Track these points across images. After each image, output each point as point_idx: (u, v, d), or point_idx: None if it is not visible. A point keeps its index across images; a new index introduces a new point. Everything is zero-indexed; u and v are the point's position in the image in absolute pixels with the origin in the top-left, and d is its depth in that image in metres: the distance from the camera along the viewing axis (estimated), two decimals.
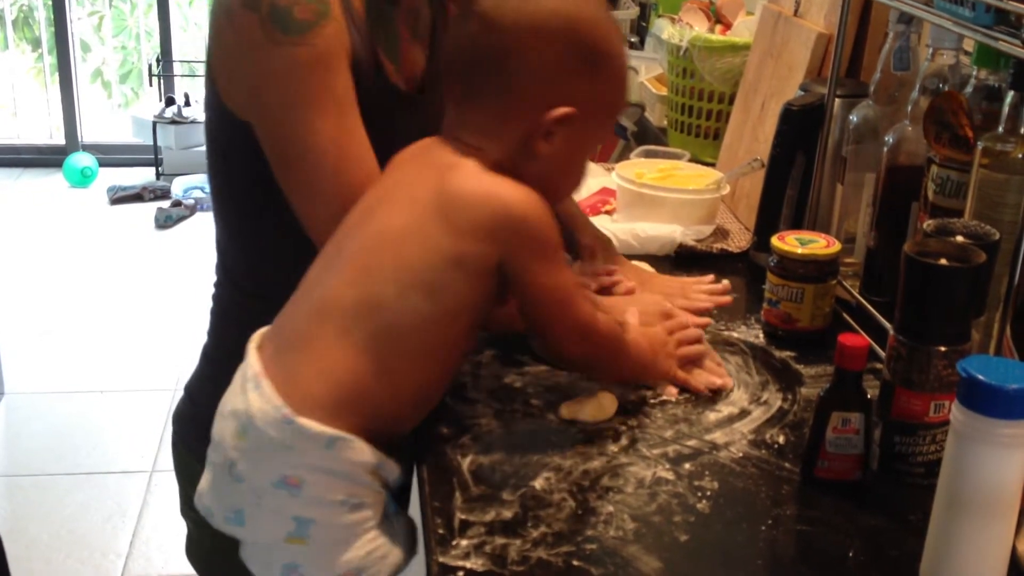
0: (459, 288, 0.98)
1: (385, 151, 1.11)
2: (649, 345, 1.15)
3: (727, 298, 1.36)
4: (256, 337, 1.04)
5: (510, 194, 0.98)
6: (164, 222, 4.79)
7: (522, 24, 0.99)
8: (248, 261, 1.27)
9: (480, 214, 0.97)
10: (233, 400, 1.00)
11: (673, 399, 1.14)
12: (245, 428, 0.97)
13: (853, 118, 1.38)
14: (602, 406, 1.11)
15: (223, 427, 1.00)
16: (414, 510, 1.11)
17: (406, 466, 1.06)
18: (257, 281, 1.26)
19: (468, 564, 0.87)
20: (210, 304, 1.32)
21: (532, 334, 1.13)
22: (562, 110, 1.00)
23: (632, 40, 2.60)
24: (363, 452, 0.96)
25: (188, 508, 1.32)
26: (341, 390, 0.96)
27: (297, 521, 0.97)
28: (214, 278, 1.31)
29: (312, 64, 1.09)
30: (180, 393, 1.35)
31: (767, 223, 1.46)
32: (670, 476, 1.00)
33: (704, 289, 1.37)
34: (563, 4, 1.01)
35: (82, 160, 5.25)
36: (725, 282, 1.39)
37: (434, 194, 0.99)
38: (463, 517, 0.92)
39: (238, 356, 1.02)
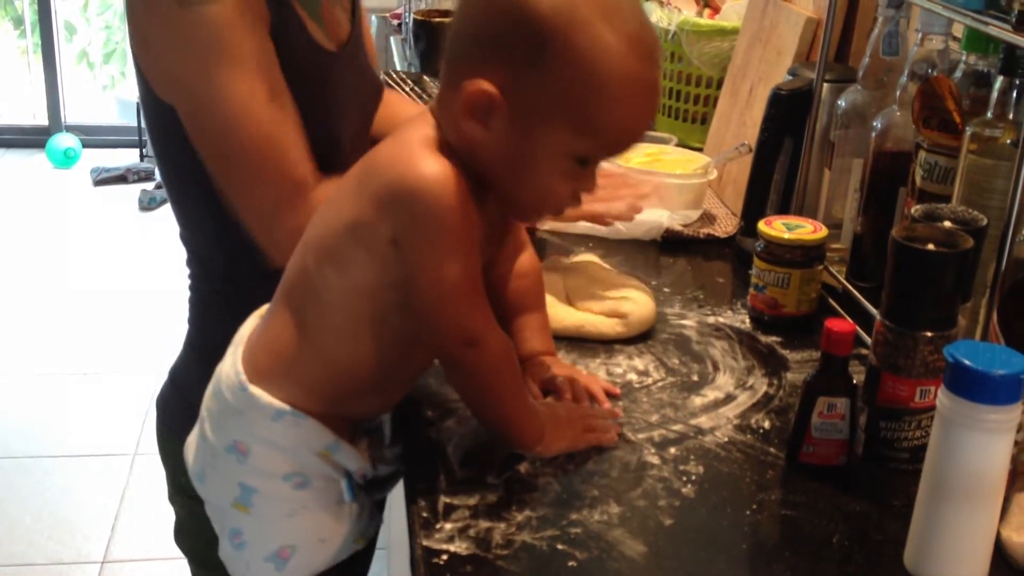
0: (362, 262, 0.90)
1: (320, 108, 1.10)
2: (550, 413, 1.01)
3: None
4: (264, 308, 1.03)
5: (414, 165, 0.86)
6: (148, 204, 4.76)
7: None
8: (221, 247, 1.21)
9: (378, 182, 0.89)
10: (222, 360, 1.01)
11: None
12: (215, 390, 0.99)
13: (841, 103, 1.37)
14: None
15: (209, 386, 1.01)
16: (399, 493, 1.10)
17: (380, 456, 1.03)
18: (235, 267, 1.21)
19: (452, 547, 0.86)
20: (188, 295, 1.29)
21: None
22: (480, 84, 0.84)
23: None
24: (312, 431, 0.95)
25: (176, 494, 1.30)
26: (281, 362, 0.95)
27: (242, 488, 0.97)
28: (187, 271, 1.27)
29: (222, 23, 1.04)
30: (163, 376, 1.33)
31: (754, 208, 1.45)
32: (655, 460, 0.99)
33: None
34: None
35: (65, 141, 5.21)
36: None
37: (363, 162, 0.93)
38: (447, 500, 0.92)
39: (223, 343, 1.01)
